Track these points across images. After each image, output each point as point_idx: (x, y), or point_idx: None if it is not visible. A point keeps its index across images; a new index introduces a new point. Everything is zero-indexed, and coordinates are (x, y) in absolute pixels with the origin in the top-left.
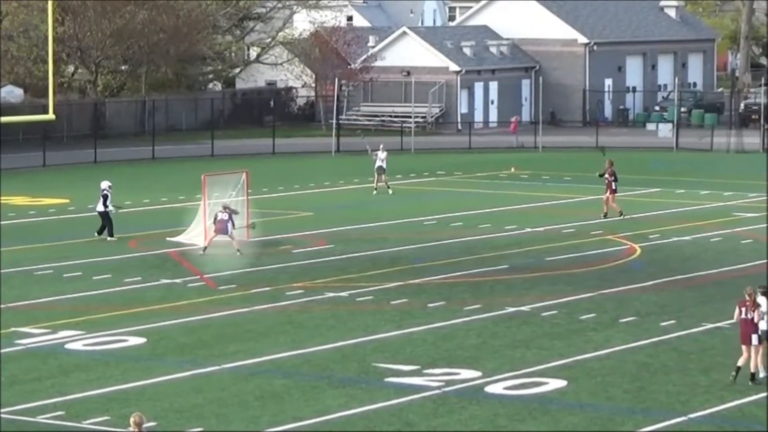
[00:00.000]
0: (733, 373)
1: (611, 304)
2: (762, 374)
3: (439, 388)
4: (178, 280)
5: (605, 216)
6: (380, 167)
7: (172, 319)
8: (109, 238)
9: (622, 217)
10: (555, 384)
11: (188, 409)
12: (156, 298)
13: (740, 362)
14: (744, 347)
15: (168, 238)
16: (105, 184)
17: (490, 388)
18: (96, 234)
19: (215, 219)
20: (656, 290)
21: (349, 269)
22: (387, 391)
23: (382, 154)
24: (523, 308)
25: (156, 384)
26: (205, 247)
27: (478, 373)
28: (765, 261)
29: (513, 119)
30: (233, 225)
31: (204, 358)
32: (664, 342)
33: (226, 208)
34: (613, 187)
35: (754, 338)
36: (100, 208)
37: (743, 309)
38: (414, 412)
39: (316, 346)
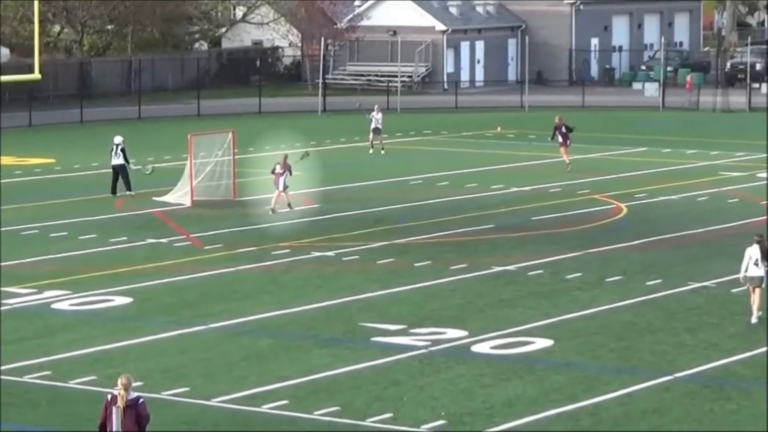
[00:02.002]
0: None
1: (597, 264)
2: (755, 319)
3: (425, 347)
4: (163, 240)
5: (570, 165)
6: (376, 128)
7: (158, 278)
8: (127, 192)
9: (570, 170)
10: (541, 343)
11: (174, 368)
12: (142, 257)
13: None
14: None
15: (154, 198)
16: (119, 139)
17: (476, 348)
18: (111, 193)
19: (273, 170)
20: (642, 249)
21: (335, 229)
22: (373, 350)
23: (377, 115)
24: (509, 268)
25: (142, 344)
26: (272, 208)
27: (464, 333)
28: (751, 220)
29: (688, 78)
30: (286, 180)
31: (190, 318)
32: (650, 301)
33: (285, 161)
34: (561, 140)
35: None
36: (118, 161)
37: None
38: (400, 371)
39: (301, 306)
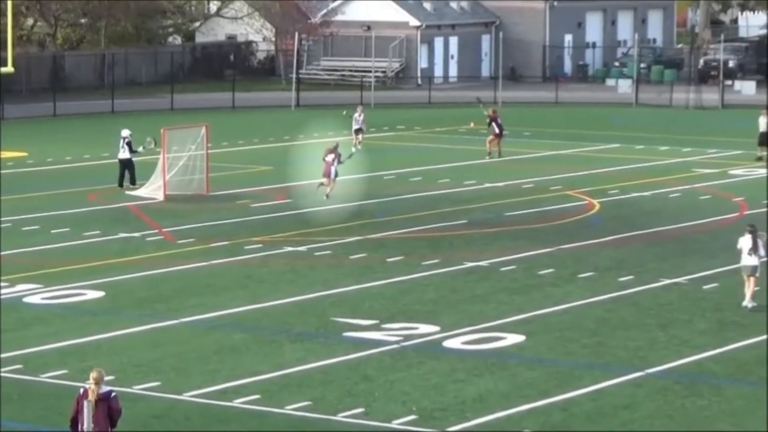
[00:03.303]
0: None
1: (570, 260)
2: (750, 305)
3: (397, 342)
4: (136, 234)
5: (491, 156)
6: (359, 129)
7: (131, 272)
8: (131, 185)
9: (489, 159)
10: (513, 339)
11: (147, 363)
12: (115, 251)
13: None
14: None
15: (128, 192)
16: (126, 132)
17: (449, 343)
18: (118, 185)
19: (324, 158)
20: (615, 245)
21: (308, 223)
22: (345, 345)
23: (360, 116)
24: (482, 263)
25: (114, 338)
26: (327, 194)
27: (437, 328)
28: (723, 217)
29: None
30: (337, 167)
31: (162, 312)
32: (623, 297)
33: (335, 148)
34: (497, 131)
35: None
36: (124, 155)
37: None
38: (372, 366)
39: (274, 301)
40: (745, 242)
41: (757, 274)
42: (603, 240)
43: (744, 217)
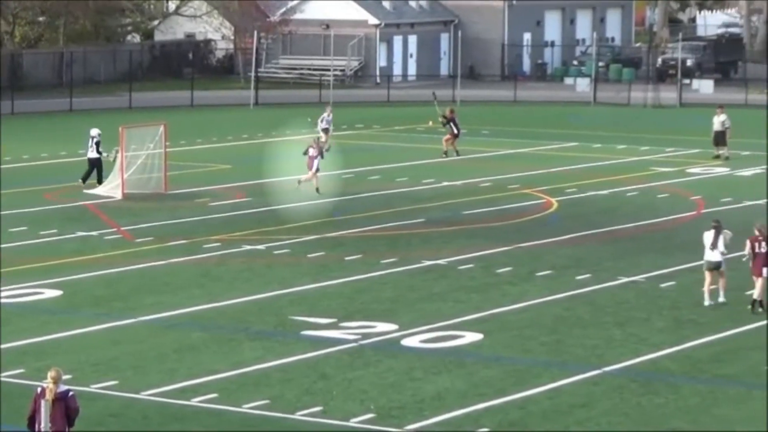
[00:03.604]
0: (749, 306)
1: (528, 258)
2: (721, 299)
3: (355, 341)
4: (94, 233)
5: (447, 155)
6: (326, 129)
7: (89, 271)
8: (98, 185)
9: (445, 158)
10: (471, 337)
11: (105, 362)
12: (72, 250)
13: (756, 294)
14: (756, 279)
15: (85, 190)
16: (95, 131)
17: (407, 341)
18: (81, 181)
19: (306, 152)
20: (572, 244)
21: (267, 222)
22: (303, 343)
23: (329, 117)
24: (439, 262)
25: (72, 337)
26: (300, 181)
27: (395, 326)
28: (681, 215)
29: None
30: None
31: (121, 311)
32: (580, 295)
33: (317, 143)
34: (455, 131)
35: (765, 271)
36: (93, 155)
37: (755, 244)
38: (330, 364)
39: (233, 299)
40: (708, 238)
41: (722, 269)
42: (561, 238)
43: (702, 216)
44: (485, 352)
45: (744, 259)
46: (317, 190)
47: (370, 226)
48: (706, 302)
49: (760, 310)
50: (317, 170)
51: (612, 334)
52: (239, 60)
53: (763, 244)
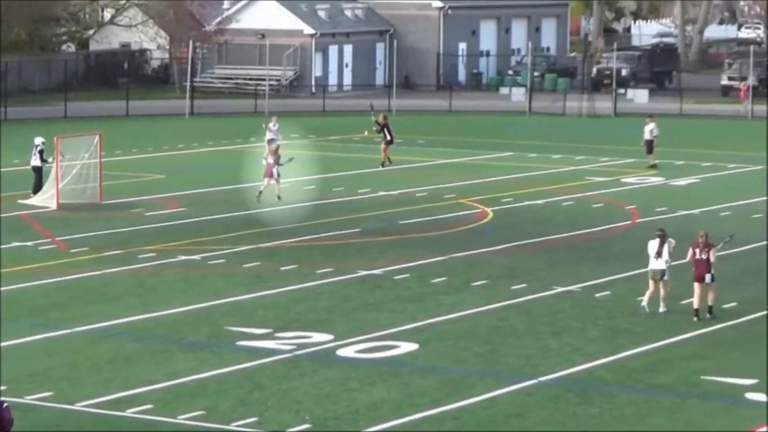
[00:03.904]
0: (695, 318)
1: (463, 268)
2: (662, 309)
3: (290, 351)
4: (29, 243)
5: (386, 164)
6: (271, 139)
7: (24, 281)
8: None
9: (382, 168)
10: (406, 347)
11: (40, 372)
12: (7, 260)
13: (695, 303)
14: (697, 285)
15: (20, 201)
16: (39, 140)
17: (342, 352)
18: (32, 193)
19: (265, 158)
20: (508, 254)
21: (202, 232)
22: (239, 354)
23: (274, 126)
24: (375, 272)
25: (7, 347)
26: (278, 195)
27: (330, 337)
28: (616, 224)
29: (742, 85)
30: (278, 168)
31: (56, 321)
32: (515, 305)
33: (277, 150)
34: (388, 138)
35: (708, 277)
36: (36, 163)
37: (697, 250)
38: (266, 375)
39: (168, 310)
40: (652, 246)
41: (666, 278)
42: (496, 248)
43: (636, 225)
44: (420, 362)
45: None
46: (278, 197)
47: (305, 236)
48: (644, 309)
49: (708, 316)
50: (278, 176)
51: (547, 343)
52: (174, 70)
53: (705, 250)
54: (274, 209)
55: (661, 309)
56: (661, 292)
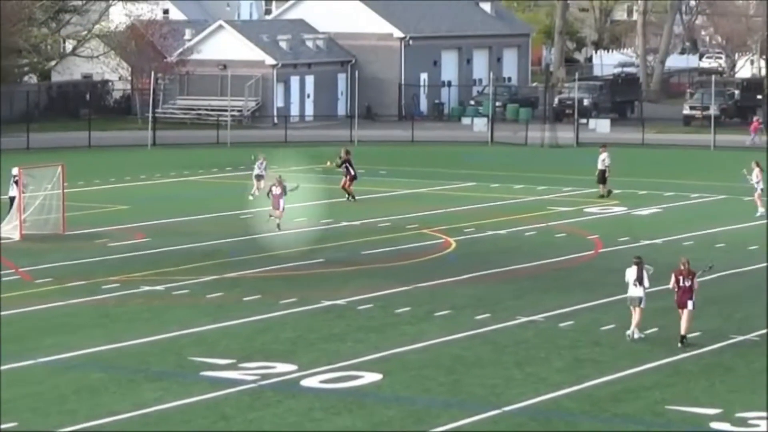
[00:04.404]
0: (680, 344)
1: (426, 298)
2: (636, 336)
3: (254, 381)
4: None
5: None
6: (259, 175)
7: None
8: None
9: (353, 201)
10: (370, 377)
11: (3, 403)
12: None
13: (682, 330)
14: (681, 312)
15: None
16: (16, 170)
17: (306, 382)
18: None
19: (269, 193)
20: (471, 283)
21: (165, 263)
22: (203, 384)
23: (262, 163)
24: (338, 302)
25: None
26: (278, 224)
27: (294, 367)
28: (579, 254)
29: (755, 119)
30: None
31: (19, 352)
32: (479, 335)
33: (280, 182)
34: (352, 173)
35: (690, 304)
36: (13, 193)
37: (680, 277)
38: (230, 405)
39: (132, 340)
40: (630, 274)
41: (643, 305)
42: (459, 278)
43: (599, 255)
44: (385, 393)
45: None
46: (278, 227)
47: (268, 266)
48: (636, 335)
49: (680, 345)
50: (282, 209)
51: (511, 373)
52: (136, 100)
53: (688, 277)
54: (236, 240)
55: (636, 335)
56: (636, 318)
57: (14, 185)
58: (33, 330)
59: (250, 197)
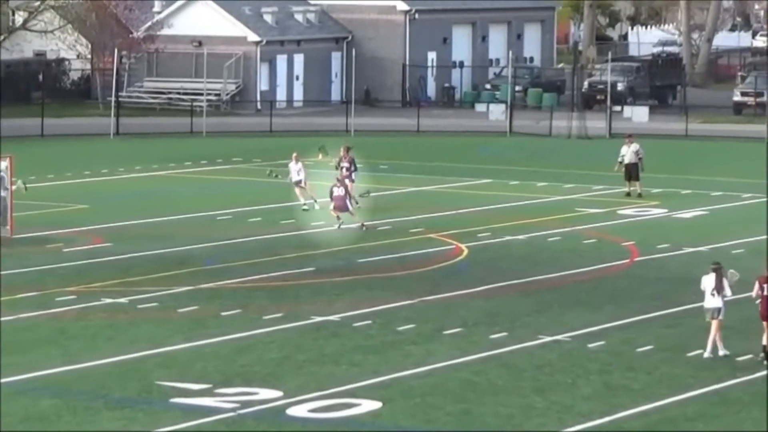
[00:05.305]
0: (762, 354)
1: (434, 313)
2: (722, 352)
3: (233, 410)
4: None
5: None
6: (298, 180)
7: None
8: None
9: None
10: (368, 405)
11: None
12: None
13: (765, 341)
14: (766, 324)
15: None
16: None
17: (293, 410)
18: None
19: (331, 195)
20: (485, 297)
21: (131, 271)
22: (173, 413)
23: (296, 166)
24: (331, 317)
25: None
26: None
27: (279, 393)
28: (611, 264)
29: None
30: (350, 198)
31: None
32: (494, 357)
33: (340, 181)
34: (352, 177)
35: None
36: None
37: (765, 285)
38: None
39: (91, 361)
40: (708, 282)
41: (721, 317)
42: (472, 290)
43: (635, 264)
44: (384, 423)
45: (757, 302)
46: (363, 226)
47: (250, 275)
48: (707, 354)
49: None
50: (351, 209)
51: (531, 401)
52: (97, 82)
53: None
54: (212, 245)
55: (721, 352)
56: (713, 332)
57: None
58: None
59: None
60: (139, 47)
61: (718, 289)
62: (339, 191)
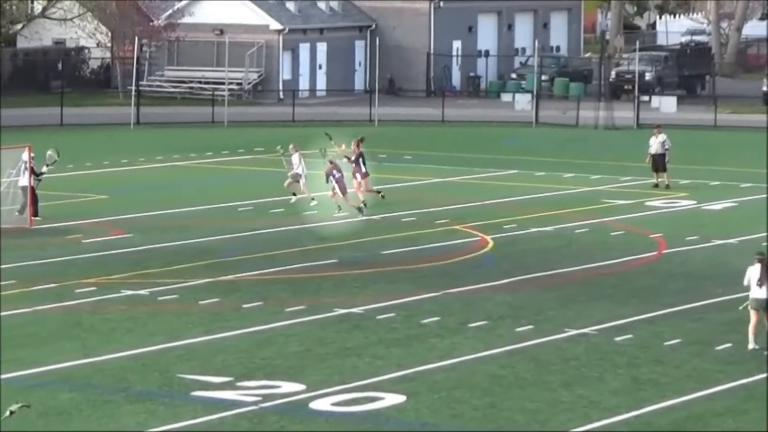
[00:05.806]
0: None
1: (458, 306)
2: (751, 346)
3: (255, 403)
4: None
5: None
6: (296, 174)
7: None
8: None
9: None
10: (392, 399)
11: None
12: None
13: None
14: None
15: None
16: (26, 155)
17: (316, 404)
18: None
19: (329, 178)
20: (511, 290)
21: (151, 263)
22: (194, 406)
23: (296, 157)
24: (354, 310)
25: None
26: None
27: (302, 387)
28: (638, 256)
29: None
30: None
31: None
32: (520, 350)
33: (332, 163)
34: (363, 170)
35: None
36: (25, 182)
37: None
38: (226, 431)
39: (110, 354)
40: (753, 272)
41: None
42: (497, 283)
43: (662, 257)
44: (408, 417)
45: None
46: (361, 210)
47: (271, 268)
48: (751, 345)
49: None
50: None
51: (558, 396)
52: (117, 71)
53: None
54: (233, 236)
55: (750, 346)
56: (753, 323)
57: (25, 172)
58: None
59: (314, 202)
60: (159, 35)
61: (763, 280)
62: (337, 173)
